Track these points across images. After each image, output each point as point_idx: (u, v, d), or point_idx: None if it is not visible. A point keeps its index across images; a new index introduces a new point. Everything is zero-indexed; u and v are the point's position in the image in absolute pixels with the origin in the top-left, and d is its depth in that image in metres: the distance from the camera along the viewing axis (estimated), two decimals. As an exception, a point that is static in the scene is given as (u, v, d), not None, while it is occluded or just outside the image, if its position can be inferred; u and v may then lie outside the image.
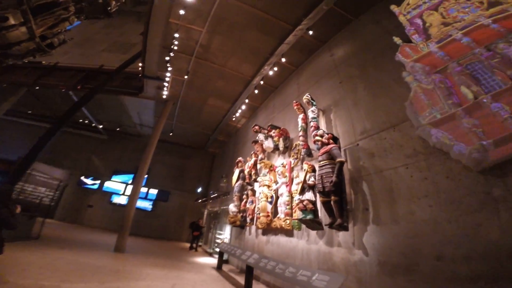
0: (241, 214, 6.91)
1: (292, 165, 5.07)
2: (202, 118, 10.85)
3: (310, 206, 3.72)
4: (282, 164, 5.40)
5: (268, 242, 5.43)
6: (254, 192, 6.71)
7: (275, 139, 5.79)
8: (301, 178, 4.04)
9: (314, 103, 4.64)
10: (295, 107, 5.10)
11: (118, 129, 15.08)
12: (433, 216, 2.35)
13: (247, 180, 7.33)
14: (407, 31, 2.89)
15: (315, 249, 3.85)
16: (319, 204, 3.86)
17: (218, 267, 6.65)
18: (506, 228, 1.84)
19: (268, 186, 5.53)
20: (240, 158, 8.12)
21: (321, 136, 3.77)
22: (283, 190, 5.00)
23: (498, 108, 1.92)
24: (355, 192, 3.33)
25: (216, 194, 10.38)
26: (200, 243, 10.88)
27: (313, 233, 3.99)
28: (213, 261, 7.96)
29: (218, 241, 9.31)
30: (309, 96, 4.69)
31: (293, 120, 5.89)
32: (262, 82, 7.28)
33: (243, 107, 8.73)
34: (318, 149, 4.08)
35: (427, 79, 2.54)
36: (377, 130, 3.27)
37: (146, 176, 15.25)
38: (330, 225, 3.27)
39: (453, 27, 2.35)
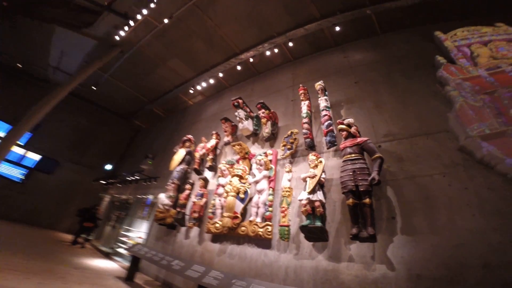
0: (178, 209, 4.90)
1: (282, 156, 4.19)
2: (149, 80, 8.36)
3: (321, 210, 2.98)
4: (265, 153, 4.39)
5: (223, 253, 3.98)
6: (206, 182, 5.04)
7: (263, 121, 4.74)
8: (311, 172, 3.25)
9: (326, 92, 4.27)
10: (301, 92, 4.50)
11: (19, 65, 10.19)
12: (477, 225, 2.39)
13: (195, 166, 5.53)
14: (453, 55, 3.28)
15: (310, 265, 3.04)
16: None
17: (129, 278, 4.33)
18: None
19: (241, 178, 4.21)
20: (189, 136, 6.22)
21: (349, 125, 3.31)
22: (264, 185, 3.95)
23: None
24: (377, 198, 3.01)
25: (134, 178, 7.29)
26: (89, 238, 7.78)
27: (306, 245, 3.22)
28: (113, 265, 5.45)
29: (125, 240, 6.45)
30: (323, 84, 4.27)
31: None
32: (252, 60, 6.32)
33: (211, 81, 7.23)
34: (331, 141, 3.61)
35: (474, 97, 2.83)
36: (406, 135, 3.28)
37: (30, 133, 10.07)
38: (355, 236, 2.65)
39: (503, 61, 2.83)
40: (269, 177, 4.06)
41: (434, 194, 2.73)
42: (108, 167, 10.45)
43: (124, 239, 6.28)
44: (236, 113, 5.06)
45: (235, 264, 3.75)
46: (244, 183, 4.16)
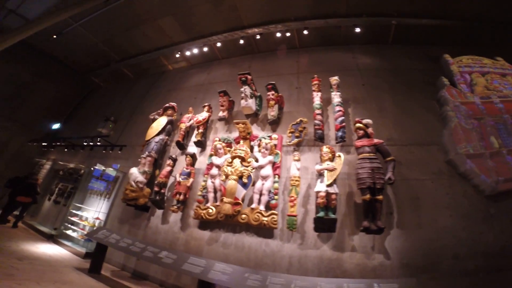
0: (156, 189, 4.25)
1: (289, 143, 4.03)
2: (128, 36, 6.89)
3: (335, 202, 3.07)
4: (270, 136, 4.12)
5: (214, 241, 3.69)
6: (194, 160, 4.42)
7: (271, 103, 4.37)
8: (330, 164, 3.26)
9: (339, 88, 4.26)
10: (316, 83, 4.38)
11: None
12: (452, 224, 2.99)
13: (179, 138, 4.80)
14: (456, 79, 3.75)
15: (314, 255, 3.18)
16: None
17: (93, 270, 3.48)
18: (497, 235, 2.83)
19: (243, 159, 3.82)
20: (173, 104, 5.40)
21: (366, 125, 3.43)
22: (269, 171, 3.74)
23: (509, 160, 2.97)
24: (378, 194, 3.31)
25: (92, 143, 5.70)
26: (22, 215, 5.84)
27: (311, 235, 3.32)
28: (63, 252, 4.42)
29: (76, 220, 5.14)
30: (339, 79, 4.23)
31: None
32: (258, 37, 5.79)
33: (205, 49, 6.40)
34: (342, 137, 3.70)
35: (466, 120, 3.38)
36: (405, 143, 3.67)
37: None
38: (366, 229, 2.87)
39: (493, 93, 3.43)
40: (274, 163, 3.86)
41: (422, 196, 3.23)
42: (56, 126, 7.83)
43: (74, 219, 4.91)
44: (242, 89, 4.46)
45: (230, 254, 3.51)
46: (247, 166, 3.82)
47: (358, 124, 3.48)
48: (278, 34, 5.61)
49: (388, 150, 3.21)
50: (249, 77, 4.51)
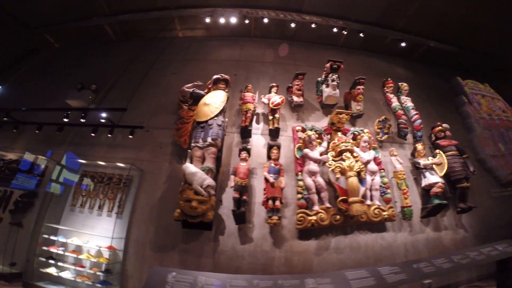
0: (235, 195, 3.29)
1: (380, 139, 4.36)
2: None
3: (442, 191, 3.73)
4: (362, 130, 4.25)
5: (324, 250, 3.47)
6: (278, 148, 3.79)
7: (360, 97, 4.42)
8: (435, 159, 3.92)
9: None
10: (391, 86, 4.99)
11: None
12: (490, 204, 4.34)
13: (245, 123, 4.02)
14: (470, 99, 5.28)
15: (422, 238, 3.73)
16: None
17: None
18: (512, 209, 4.38)
19: (351, 152, 3.71)
20: (226, 76, 4.34)
21: (446, 129, 4.32)
22: (375, 166, 3.91)
23: (510, 160, 4.70)
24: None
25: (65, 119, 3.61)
26: None
27: (415, 221, 3.83)
28: None
29: (59, 251, 3.07)
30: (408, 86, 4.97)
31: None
32: (313, 26, 5.68)
33: (246, 22, 5.70)
34: (421, 136, 4.49)
35: (484, 131, 4.92)
36: (454, 144, 4.85)
37: None
38: (463, 210, 3.69)
39: (492, 112, 5.16)
40: (377, 158, 4.01)
41: (472, 184, 4.40)
42: None
43: (54, 250, 2.83)
44: (334, 77, 4.27)
45: (346, 258, 3.40)
46: (357, 161, 3.74)
47: (440, 127, 4.31)
48: (335, 30, 5.70)
49: (463, 149, 4.21)
50: (342, 65, 4.37)
